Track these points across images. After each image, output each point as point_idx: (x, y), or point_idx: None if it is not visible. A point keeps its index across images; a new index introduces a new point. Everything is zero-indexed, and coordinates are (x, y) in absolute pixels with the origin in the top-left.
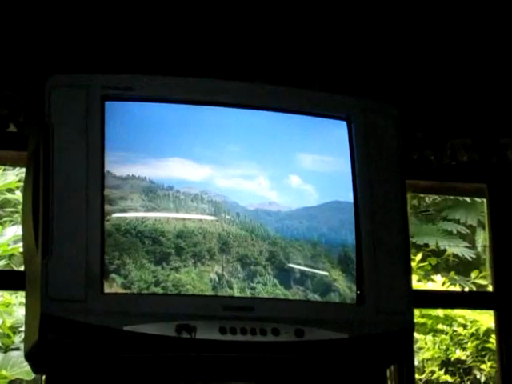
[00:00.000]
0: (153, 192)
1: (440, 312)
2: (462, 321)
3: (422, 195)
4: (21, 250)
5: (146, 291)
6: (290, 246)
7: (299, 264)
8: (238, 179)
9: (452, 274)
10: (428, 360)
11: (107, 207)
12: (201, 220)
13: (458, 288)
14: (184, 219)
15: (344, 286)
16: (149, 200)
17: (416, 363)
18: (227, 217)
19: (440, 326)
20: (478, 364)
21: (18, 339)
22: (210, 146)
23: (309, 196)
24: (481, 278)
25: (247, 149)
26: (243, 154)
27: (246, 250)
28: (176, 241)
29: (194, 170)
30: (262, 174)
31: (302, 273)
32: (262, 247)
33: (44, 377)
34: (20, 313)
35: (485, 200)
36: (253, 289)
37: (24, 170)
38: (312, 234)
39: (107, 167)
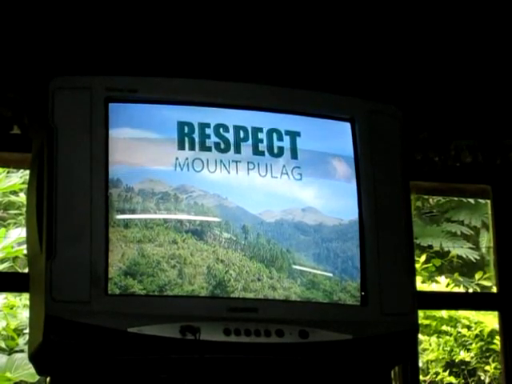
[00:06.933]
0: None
1: (444, 313)
2: (466, 322)
3: (425, 196)
4: (25, 252)
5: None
6: (342, 289)
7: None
8: (243, 161)
9: (456, 275)
10: (432, 361)
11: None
12: (174, 241)
13: (462, 289)
14: (140, 241)
15: None
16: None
17: (420, 364)
18: (224, 234)
19: (444, 328)
20: (483, 365)
21: (22, 341)
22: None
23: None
24: (485, 279)
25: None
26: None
27: (258, 295)
28: (125, 281)
29: (158, 146)
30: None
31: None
32: (290, 292)
33: (48, 379)
34: (24, 315)
35: (489, 201)
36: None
37: (28, 172)
38: None
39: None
